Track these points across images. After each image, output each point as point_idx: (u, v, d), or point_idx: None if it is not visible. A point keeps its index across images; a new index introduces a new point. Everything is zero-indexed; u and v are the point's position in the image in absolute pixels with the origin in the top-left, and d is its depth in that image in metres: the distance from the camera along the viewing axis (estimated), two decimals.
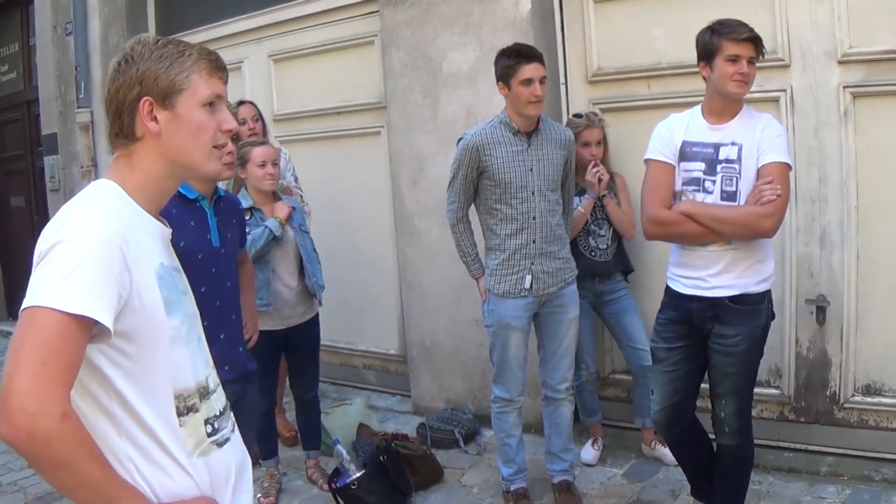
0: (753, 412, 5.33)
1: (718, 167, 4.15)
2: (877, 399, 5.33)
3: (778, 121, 4.35)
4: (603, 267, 5.61)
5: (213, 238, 3.97)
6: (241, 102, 6.15)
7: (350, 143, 7.40)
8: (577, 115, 5.72)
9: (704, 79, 4.21)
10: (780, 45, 5.32)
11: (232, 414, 2.37)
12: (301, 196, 6.15)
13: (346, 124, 7.39)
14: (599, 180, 5.44)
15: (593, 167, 5.47)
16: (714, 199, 4.15)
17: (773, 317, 4.34)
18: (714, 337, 4.25)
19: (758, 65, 4.27)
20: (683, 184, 4.25)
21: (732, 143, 4.14)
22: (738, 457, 4.42)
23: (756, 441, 5.13)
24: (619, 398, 6.24)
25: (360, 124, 7.28)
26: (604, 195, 5.51)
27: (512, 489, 5.25)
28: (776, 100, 5.34)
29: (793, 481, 5.30)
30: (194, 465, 2.11)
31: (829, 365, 5.44)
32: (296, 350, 5.53)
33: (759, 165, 4.10)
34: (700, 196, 4.19)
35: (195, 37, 8.08)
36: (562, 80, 6.15)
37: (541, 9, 6.02)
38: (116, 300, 1.92)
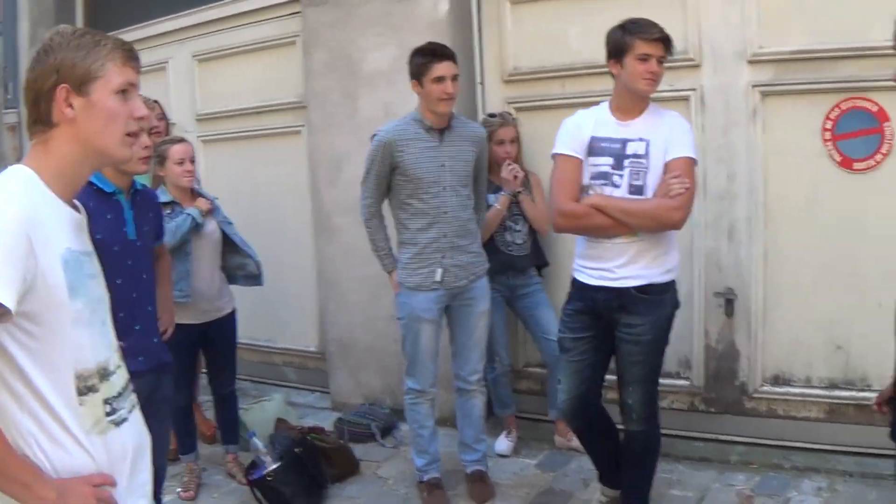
0: (664, 403, 5.42)
1: (626, 162, 4.19)
2: (785, 389, 5.41)
3: (686, 119, 4.42)
4: (519, 261, 5.65)
5: (130, 231, 3.93)
6: (145, 101, 6.11)
7: (271, 142, 7.35)
8: (492, 115, 5.78)
9: (613, 76, 4.25)
10: (692, 46, 5.38)
11: (133, 395, 2.40)
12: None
13: (267, 124, 7.33)
14: (515, 177, 5.47)
15: (508, 165, 5.50)
16: (622, 192, 4.19)
17: (678, 305, 4.40)
18: (621, 327, 4.30)
19: (669, 64, 4.34)
20: (591, 178, 4.27)
21: (640, 139, 4.19)
22: (646, 443, 4.50)
23: (667, 431, 5.20)
24: (533, 391, 6.25)
25: (281, 124, 7.23)
26: (519, 192, 5.53)
27: (425, 479, 5.26)
28: (686, 99, 5.39)
29: (703, 469, 5.37)
30: (92, 443, 2.16)
31: (737, 356, 5.51)
32: (214, 345, 5.49)
33: (667, 160, 4.16)
34: (608, 190, 4.22)
35: (124, 36, 7.99)
36: (478, 79, 6.16)
37: (459, 10, 6.02)
38: (21, 283, 1.95)
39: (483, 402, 5.33)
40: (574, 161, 4.29)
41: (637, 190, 4.18)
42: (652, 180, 4.17)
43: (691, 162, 4.20)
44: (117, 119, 2.22)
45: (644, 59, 4.09)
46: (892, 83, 3.09)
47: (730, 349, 5.52)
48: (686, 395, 5.72)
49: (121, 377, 2.34)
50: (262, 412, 6.26)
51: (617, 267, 4.23)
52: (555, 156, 4.38)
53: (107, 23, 8.17)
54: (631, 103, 4.26)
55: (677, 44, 5.10)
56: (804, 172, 5.18)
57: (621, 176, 4.20)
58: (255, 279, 5.66)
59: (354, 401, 6.77)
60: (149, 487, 2.43)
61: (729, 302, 5.45)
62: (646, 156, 4.18)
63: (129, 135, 2.26)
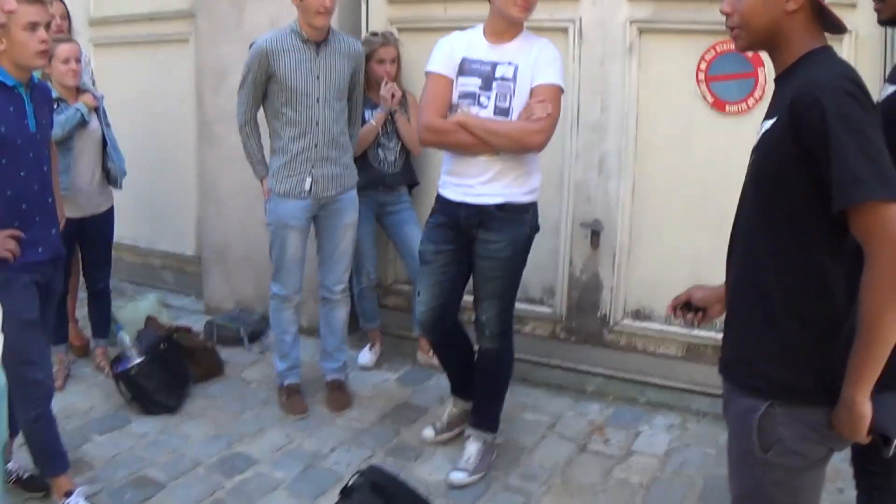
0: (526, 329, 5.48)
1: (494, 84, 4.19)
2: (645, 324, 5.42)
3: (561, 49, 4.41)
4: (390, 178, 5.65)
5: (31, 124, 3.86)
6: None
7: (161, 48, 7.20)
8: (374, 34, 5.71)
9: (489, 1, 4.23)
10: None
11: None
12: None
13: (158, 31, 7.17)
14: (392, 96, 5.44)
15: (386, 83, 5.46)
16: (488, 113, 4.19)
17: (537, 229, 4.43)
18: (479, 242, 4.33)
19: None
20: (459, 97, 4.27)
21: (509, 63, 4.19)
22: (498, 360, 4.56)
23: (526, 357, 5.34)
24: (399, 307, 6.24)
25: (171, 31, 7.07)
26: (395, 111, 5.50)
27: (285, 384, 5.32)
28: (565, 30, 5.32)
29: (559, 397, 5.41)
30: None
31: (600, 288, 5.50)
32: (90, 240, 5.52)
33: (533, 86, 4.16)
34: (475, 109, 4.22)
35: None
36: None
37: None
38: None
39: (346, 313, 5.36)
40: (444, 79, 4.30)
41: (502, 112, 4.19)
42: (517, 104, 4.18)
43: (557, 89, 4.20)
44: None
45: None
46: None
47: (593, 280, 5.52)
48: (548, 322, 5.72)
49: None
50: (134, 311, 6.27)
51: (479, 184, 4.25)
52: (427, 73, 4.38)
53: None
54: (504, 28, 4.24)
55: None
56: (677, 111, 5.16)
57: (488, 97, 4.21)
58: (113, 183, 5.57)
59: (227, 306, 6.75)
60: None
61: (595, 234, 5.43)
62: (513, 79, 4.18)
63: None
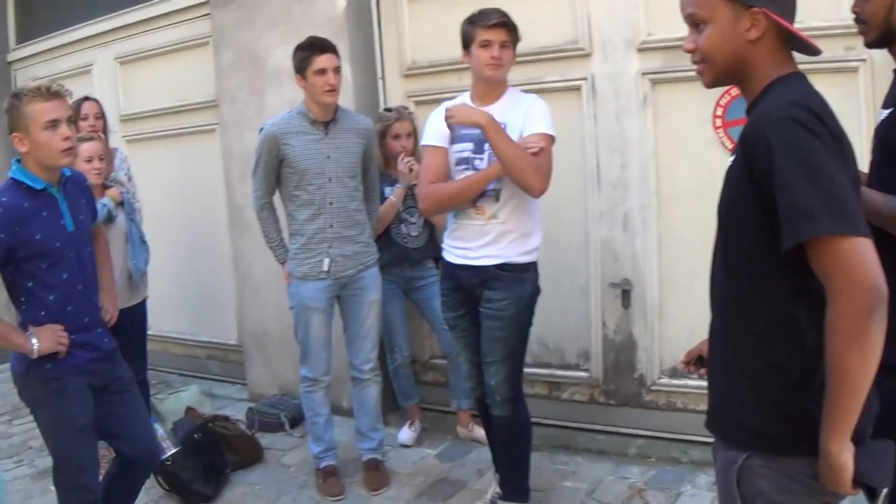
0: (564, 395, 5.36)
1: (486, 146, 4.18)
2: (683, 381, 5.20)
3: (544, 101, 4.35)
4: (414, 253, 5.58)
5: (68, 223, 3.77)
6: (86, 99, 5.97)
7: (189, 140, 7.27)
8: (388, 109, 5.71)
9: (469, 66, 4.35)
10: (582, 35, 5.24)
11: None
12: (134, 193, 5.99)
13: (185, 122, 7.25)
14: (410, 170, 5.39)
15: (404, 158, 5.43)
16: None
17: (538, 291, 4.38)
18: (483, 302, 4.31)
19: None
20: (455, 164, 4.32)
21: (499, 123, 4.17)
22: (513, 428, 4.45)
23: (567, 423, 5.25)
24: (438, 382, 6.13)
25: (198, 122, 7.14)
26: (415, 185, 5.42)
27: (321, 467, 5.23)
28: (578, 88, 5.25)
29: (599, 462, 5.23)
30: None
31: (635, 347, 5.34)
32: (123, 334, 5.31)
33: (524, 136, 4.18)
34: (470, 173, 4.26)
35: (51, 41, 8.15)
36: (379, 74, 6.08)
37: (357, 6, 5.94)
38: None
39: (377, 392, 5.27)
40: (437, 150, 4.36)
41: None
42: None
43: (548, 137, 4.19)
44: None
45: (486, 45, 4.17)
46: None
47: (628, 341, 5.36)
48: (586, 386, 5.56)
49: None
50: (176, 402, 6.29)
51: (478, 246, 4.26)
52: (422, 147, 4.47)
53: (36, 29, 8.21)
54: (486, 90, 4.30)
55: (567, 34, 5.20)
56: (696, 160, 5.01)
57: (482, 159, 4.24)
58: (129, 280, 5.47)
59: (270, 392, 6.70)
60: None
61: (625, 293, 5.29)
62: None
63: None
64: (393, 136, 5.52)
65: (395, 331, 5.66)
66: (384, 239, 5.38)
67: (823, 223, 1.92)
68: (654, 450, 5.27)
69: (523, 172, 4.04)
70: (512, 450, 4.49)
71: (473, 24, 4.21)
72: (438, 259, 5.49)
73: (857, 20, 2.89)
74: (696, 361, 2.83)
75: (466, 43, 4.26)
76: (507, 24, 4.19)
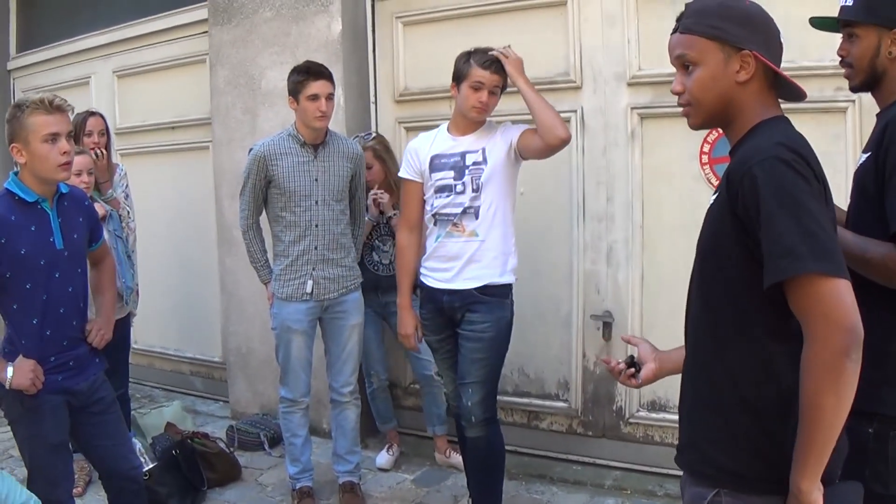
0: (543, 425, 5.33)
1: (466, 171, 4.35)
2: (661, 415, 5.18)
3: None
4: (385, 280, 5.51)
5: (57, 240, 3.69)
6: (91, 114, 5.85)
7: (183, 156, 7.25)
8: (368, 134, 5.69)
9: (453, 98, 4.42)
10: (573, 68, 5.24)
11: None
12: (128, 212, 5.90)
13: (180, 139, 7.24)
14: (376, 203, 5.41)
15: (372, 192, 5.43)
16: (466, 197, 4.34)
17: (513, 315, 4.47)
18: (465, 324, 4.37)
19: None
20: (435, 191, 4.44)
21: (476, 150, 4.34)
22: (489, 448, 4.46)
23: (545, 453, 5.27)
24: (418, 407, 6.04)
25: (191, 139, 7.13)
26: (392, 215, 5.44)
27: (297, 487, 5.19)
28: (567, 120, 5.18)
29: (575, 493, 5.20)
30: None
31: (614, 380, 5.28)
32: (106, 349, 5.33)
33: (514, 140, 4.35)
34: (451, 198, 4.38)
35: (51, 51, 8.10)
36: (372, 98, 6.07)
37: (353, 30, 5.94)
38: None
39: (356, 415, 5.21)
40: (412, 184, 4.56)
41: (478, 188, 4.33)
42: (491, 173, 4.33)
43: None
44: None
45: (477, 87, 4.26)
46: None
47: (607, 372, 5.23)
48: (564, 417, 5.51)
49: None
50: (158, 417, 6.23)
51: (458, 267, 4.36)
52: (400, 178, 4.70)
53: (37, 39, 8.21)
54: (466, 124, 4.44)
55: (559, 66, 5.23)
56: (681, 196, 5.00)
57: (463, 184, 4.35)
58: (119, 298, 5.31)
59: (252, 410, 6.66)
60: None
61: (606, 325, 5.25)
62: (483, 161, 4.34)
63: None
64: None
65: (371, 355, 5.62)
66: (360, 265, 5.32)
67: (806, 262, 1.91)
68: (630, 482, 5.23)
69: (553, 118, 4.21)
70: (485, 472, 4.49)
71: (470, 62, 4.27)
72: (416, 287, 5.47)
73: (842, 63, 2.87)
74: (627, 361, 2.80)
75: (458, 77, 4.32)
76: (501, 69, 4.27)
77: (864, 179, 2.71)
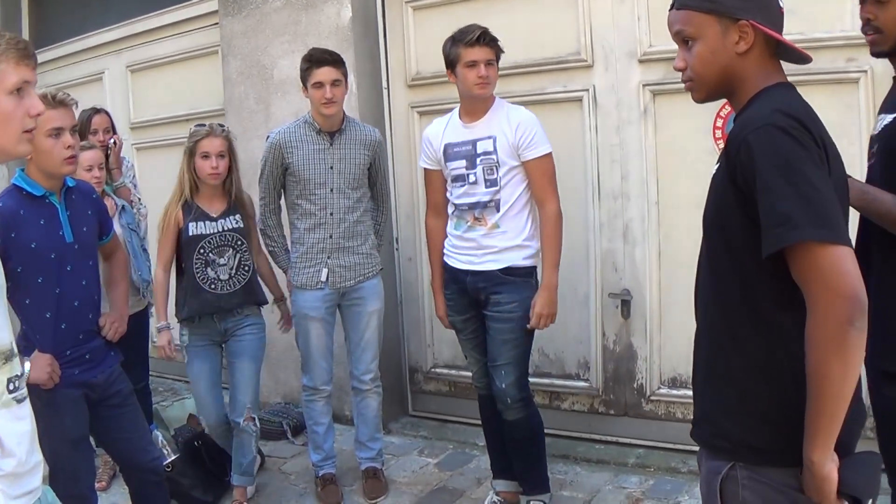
0: (564, 405, 5.32)
1: (478, 160, 4.34)
2: (682, 392, 5.15)
3: (530, 112, 4.46)
4: (228, 300, 4.89)
5: (66, 234, 3.72)
6: (97, 111, 5.84)
7: None
8: (200, 125, 4.96)
9: (455, 85, 4.44)
10: (584, 47, 5.20)
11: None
12: (139, 199, 5.92)
13: None
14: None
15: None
16: (480, 188, 4.35)
17: None
18: (490, 305, 4.38)
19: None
20: (452, 181, 4.48)
21: (488, 137, 4.31)
22: (528, 430, 4.49)
23: (567, 433, 5.25)
24: (440, 392, 6.12)
25: None
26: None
27: (320, 475, 5.19)
28: (580, 99, 5.20)
29: (599, 471, 5.18)
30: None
31: (635, 358, 5.28)
32: (124, 342, 5.25)
33: (525, 161, 4.32)
34: (466, 188, 4.40)
35: (63, 49, 8.07)
36: (384, 84, 6.04)
37: (363, 16, 5.92)
38: None
39: (377, 403, 5.21)
40: (431, 172, 4.63)
41: (492, 183, 4.33)
42: (503, 174, 4.32)
43: (548, 157, 4.36)
44: (12, 119, 2.13)
45: (472, 65, 4.25)
46: None
47: (627, 351, 5.30)
48: (586, 396, 5.50)
49: (19, 362, 2.27)
50: (180, 409, 6.29)
51: (482, 254, 4.38)
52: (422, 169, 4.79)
53: (50, 35, 8.22)
54: (475, 106, 4.41)
55: (570, 45, 5.17)
56: (695, 171, 4.91)
57: (475, 174, 4.36)
58: (136, 292, 5.33)
59: (274, 400, 6.67)
60: (41, 466, 2.42)
61: (625, 303, 5.23)
62: (494, 151, 4.31)
63: (26, 131, 2.17)
64: (202, 156, 4.82)
65: (203, 395, 5.18)
66: (191, 288, 4.83)
67: (803, 230, 1.89)
68: (653, 460, 5.21)
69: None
70: (529, 449, 4.52)
71: (456, 44, 4.29)
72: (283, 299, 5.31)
73: (866, 26, 2.82)
74: None
75: (451, 63, 4.34)
76: (489, 41, 4.28)
77: (893, 139, 2.68)
